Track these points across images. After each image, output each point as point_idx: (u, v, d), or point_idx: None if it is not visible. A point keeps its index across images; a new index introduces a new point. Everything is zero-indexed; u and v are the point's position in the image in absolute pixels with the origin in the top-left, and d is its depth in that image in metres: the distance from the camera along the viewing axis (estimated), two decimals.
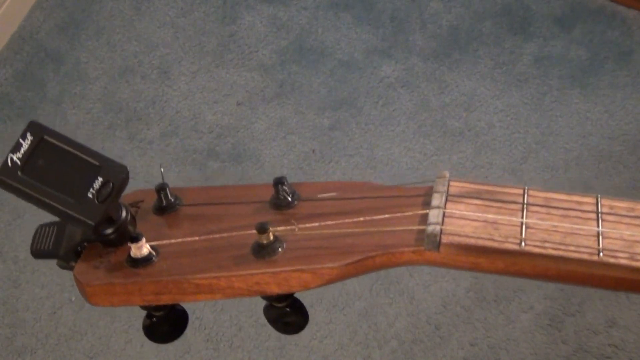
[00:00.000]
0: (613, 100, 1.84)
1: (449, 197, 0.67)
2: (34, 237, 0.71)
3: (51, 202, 0.66)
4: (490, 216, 0.66)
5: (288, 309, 0.69)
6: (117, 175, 0.68)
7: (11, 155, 0.65)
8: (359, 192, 0.70)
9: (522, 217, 0.65)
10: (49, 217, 0.69)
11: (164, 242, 0.69)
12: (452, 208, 0.66)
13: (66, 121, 1.92)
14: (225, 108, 1.92)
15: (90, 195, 0.66)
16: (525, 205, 0.66)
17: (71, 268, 0.70)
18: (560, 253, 0.63)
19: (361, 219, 0.67)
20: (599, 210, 0.66)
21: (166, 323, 0.71)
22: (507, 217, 0.65)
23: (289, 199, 0.71)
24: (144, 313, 0.71)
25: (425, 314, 1.57)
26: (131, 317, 1.59)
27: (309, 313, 0.70)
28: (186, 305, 0.71)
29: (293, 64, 1.98)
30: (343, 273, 0.66)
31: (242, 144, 1.85)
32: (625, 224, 0.65)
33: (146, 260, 0.67)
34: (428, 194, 0.68)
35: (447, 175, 0.69)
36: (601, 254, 0.63)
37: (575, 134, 1.80)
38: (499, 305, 1.56)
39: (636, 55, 1.91)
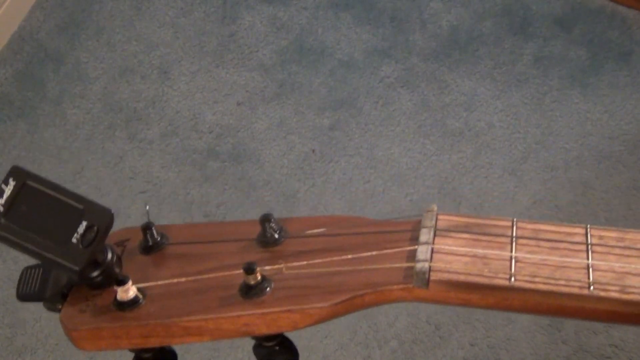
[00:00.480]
0: (613, 100, 1.84)
1: (437, 232, 0.67)
2: (20, 280, 0.70)
3: (35, 249, 0.65)
4: (479, 251, 0.65)
5: (277, 348, 0.69)
6: (102, 219, 0.66)
7: None
8: (346, 227, 0.70)
9: (511, 251, 0.65)
10: None
11: (151, 283, 0.68)
12: (440, 243, 0.66)
13: (66, 121, 1.92)
14: (225, 108, 1.92)
15: (74, 240, 0.65)
16: (514, 238, 0.66)
17: (58, 310, 0.69)
18: (550, 288, 0.62)
19: (349, 256, 0.66)
20: (589, 241, 0.65)
21: None
22: (496, 252, 0.65)
23: (276, 236, 0.70)
24: None
25: (425, 314, 1.57)
26: None
27: None
28: (176, 346, 0.71)
29: (293, 64, 1.98)
30: (332, 312, 0.65)
31: (242, 144, 1.85)
32: (616, 254, 0.64)
33: (133, 303, 0.67)
34: (416, 228, 0.68)
35: (435, 208, 0.68)
36: (592, 287, 0.62)
37: (575, 134, 1.80)
38: None
39: (636, 55, 1.91)
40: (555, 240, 0.65)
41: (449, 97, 1.89)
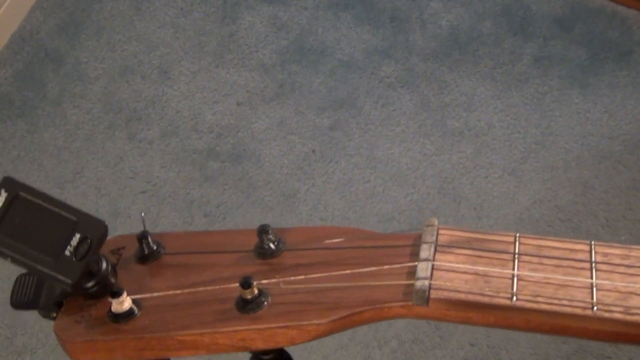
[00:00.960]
0: (613, 100, 1.84)
1: (437, 248, 0.65)
2: (14, 287, 0.70)
3: (27, 262, 0.64)
4: (480, 268, 0.64)
5: None
6: (95, 231, 0.65)
7: None
8: (345, 240, 0.68)
9: (514, 269, 0.63)
10: None
11: (146, 295, 0.67)
12: (441, 260, 0.64)
13: (66, 121, 1.92)
14: (225, 108, 1.92)
15: (67, 253, 0.64)
16: (516, 255, 0.64)
17: (53, 318, 0.68)
18: (553, 308, 0.61)
19: (348, 271, 0.65)
20: (593, 259, 0.64)
21: None
22: (498, 269, 0.63)
23: (274, 248, 0.69)
24: None
25: None
26: None
27: None
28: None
29: (293, 64, 1.98)
30: (330, 329, 0.64)
31: (242, 144, 1.85)
32: (620, 273, 0.63)
33: (128, 315, 0.66)
34: (416, 243, 0.66)
35: (436, 223, 0.67)
36: (595, 308, 0.61)
37: (575, 134, 1.80)
38: None
39: (636, 55, 1.91)
40: (559, 258, 0.64)
41: (449, 97, 1.89)
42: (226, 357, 1.65)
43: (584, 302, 0.61)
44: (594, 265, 0.63)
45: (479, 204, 1.71)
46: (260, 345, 0.65)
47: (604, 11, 2.00)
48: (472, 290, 0.62)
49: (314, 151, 1.83)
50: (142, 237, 0.70)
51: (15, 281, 0.70)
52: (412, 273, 0.64)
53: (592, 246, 0.64)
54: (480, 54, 1.96)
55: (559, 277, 0.63)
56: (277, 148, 1.84)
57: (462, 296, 0.62)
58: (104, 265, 0.67)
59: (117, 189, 1.80)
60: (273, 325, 0.64)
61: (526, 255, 0.64)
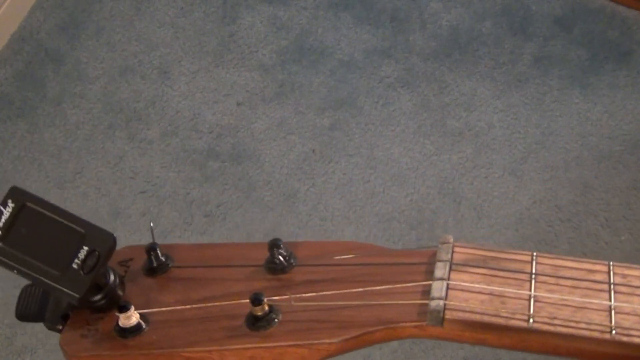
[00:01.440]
0: (613, 100, 1.84)
1: (453, 266, 0.63)
2: (19, 299, 0.68)
3: (34, 274, 0.63)
4: (496, 288, 0.62)
5: None
6: (104, 244, 0.64)
7: None
8: (359, 257, 0.66)
9: (530, 290, 0.62)
10: None
11: (154, 310, 0.65)
12: (456, 279, 0.63)
13: (66, 121, 1.92)
14: (225, 108, 1.92)
15: (75, 266, 0.63)
16: (533, 275, 0.62)
17: (58, 331, 0.67)
18: (571, 331, 0.59)
19: (360, 289, 0.64)
20: (611, 280, 0.62)
21: None
22: (514, 290, 0.62)
23: (285, 263, 0.67)
24: None
25: None
26: None
27: None
28: None
29: (293, 64, 1.98)
30: (342, 348, 0.63)
31: (242, 144, 1.85)
32: (639, 295, 0.61)
33: (135, 330, 0.64)
34: (431, 261, 0.64)
35: (451, 240, 0.65)
36: (614, 331, 0.59)
37: (575, 134, 1.80)
38: None
39: (636, 55, 1.91)
40: (576, 279, 0.62)
41: (449, 97, 1.89)
42: None
43: (602, 325, 0.59)
44: (612, 287, 0.62)
45: (479, 204, 1.71)
46: None
47: (604, 11, 2.00)
48: (487, 312, 0.61)
49: (314, 151, 1.83)
50: (151, 249, 0.69)
51: (21, 292, 0.68)
52: (426, 292, 0.63)
53: (611, 267, 0.63)
54: (480, 54, 1.96)
55: (576, 298, 0.61)
56: (277, 148, 1.84)
57: (478, 317, 0.61)
58: (112, 278, 0.66)
59: (117, 189, 1.80)
60: (283, 343, 0.62)
61: (543, 275, 0.63)
